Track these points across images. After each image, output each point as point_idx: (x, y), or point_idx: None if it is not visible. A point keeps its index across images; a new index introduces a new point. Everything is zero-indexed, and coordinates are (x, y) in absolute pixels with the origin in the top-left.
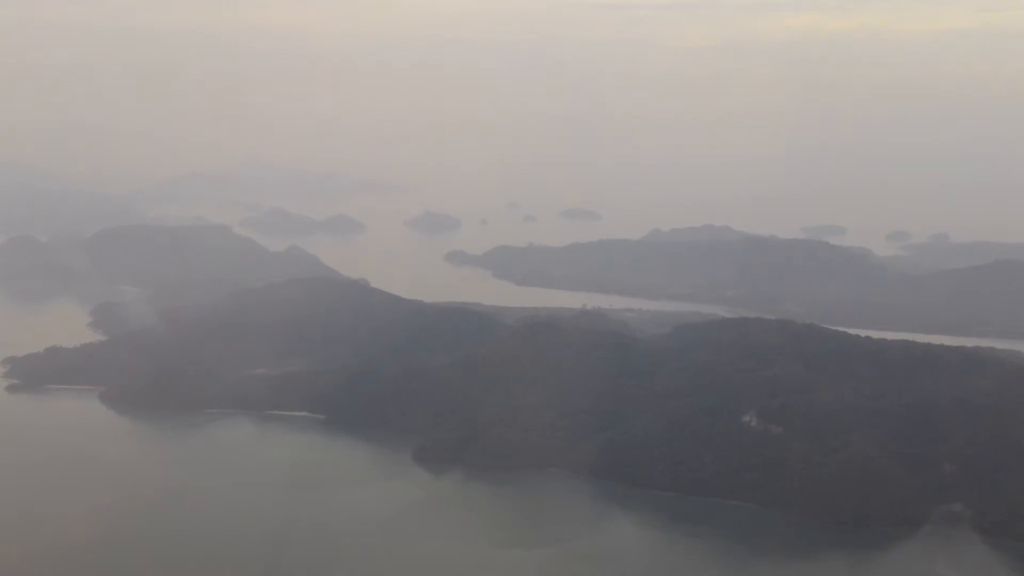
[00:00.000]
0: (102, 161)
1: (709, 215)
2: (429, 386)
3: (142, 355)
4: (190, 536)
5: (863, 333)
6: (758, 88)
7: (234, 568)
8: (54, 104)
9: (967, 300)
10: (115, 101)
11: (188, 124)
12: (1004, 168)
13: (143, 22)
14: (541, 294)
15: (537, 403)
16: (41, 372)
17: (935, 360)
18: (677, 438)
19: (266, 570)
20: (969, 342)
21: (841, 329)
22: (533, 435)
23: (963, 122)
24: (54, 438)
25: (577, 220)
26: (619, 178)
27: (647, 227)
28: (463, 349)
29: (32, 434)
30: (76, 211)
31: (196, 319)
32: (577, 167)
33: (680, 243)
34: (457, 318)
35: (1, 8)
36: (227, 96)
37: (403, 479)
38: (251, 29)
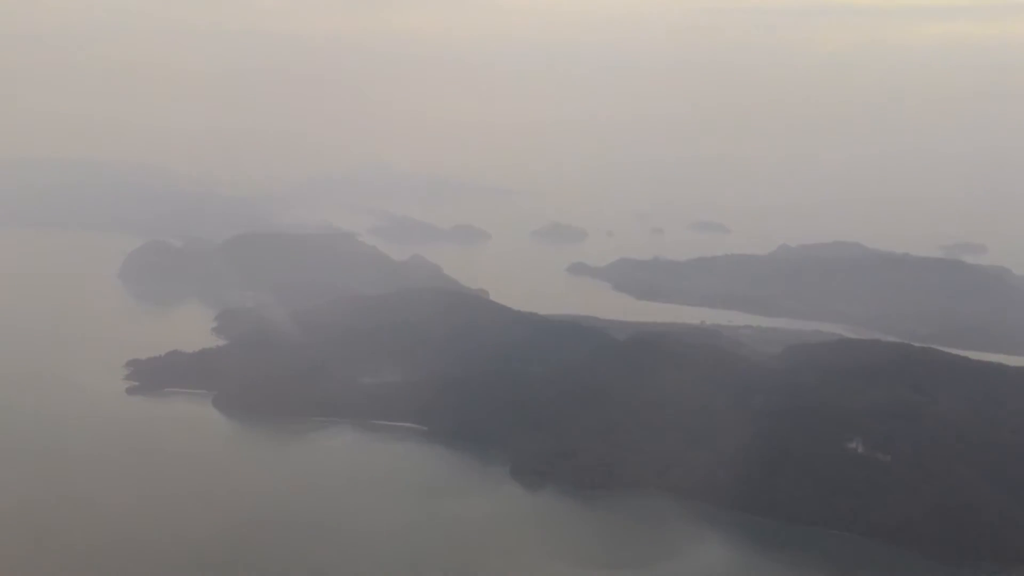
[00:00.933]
0: (240, 164)
1: (840, 229)
2: (530, 399)
3: (256, 361)
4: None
5: (991, 357)
6: (893, 93)
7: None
8: (195, 109)
9: None
10: (254, 105)
11: (320, 127)
12: None
13: (280, 27)
14: (659, 309)
15: (635, 421)
16: (160, 375)
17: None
18: (777, 462)
19: None
20: None
21: (968, 352)
22: (628, 454)
23: None
24: (161, 438)
25: (706, 232)
26: (751, 185)
27: (776, 241)
28: (569, 363)
29: (141, 434)
30: (212, 215)
31: (311, 326)
32: (709, 173)
33: (807, 259)
34: (566, 332)
35: (146, 15)
36: (360, 99)
37: (496, 493)
38: (387, 32)
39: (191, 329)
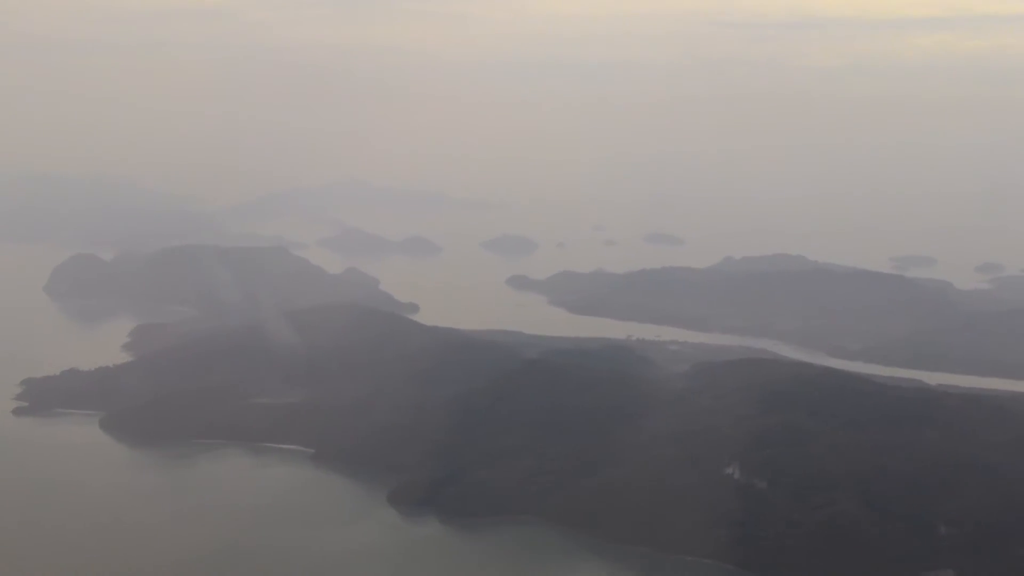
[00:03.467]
0: (207, 176)
1: (790, 243)
2: (420, 422)
3: (150, 380)
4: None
5: (915, 374)
6: (879, 105)
7: None
8: (165, 118)
9: None
10: (225, 116)
11: (292, 141)
12: None
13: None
14: (591, 323)
15: (520, 446)
16: (52, 395)
17: (954, 411)
18: (657, 489)
19: None
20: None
21: (894, 369)
22: (511, 481)
23: None
24: (37, 463)
25: (659, 244)
26: (713, 202)
27: (725, 254)
28: (470, 385)
29: (15, 459)
30: (160, 227)
31: (214, 343)
32: (672, 190)
33: (748, 273)
34: (477, 351)
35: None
36: (339, 111)
37: (371, 520)
38: (369, 46)
39: (104, 345)
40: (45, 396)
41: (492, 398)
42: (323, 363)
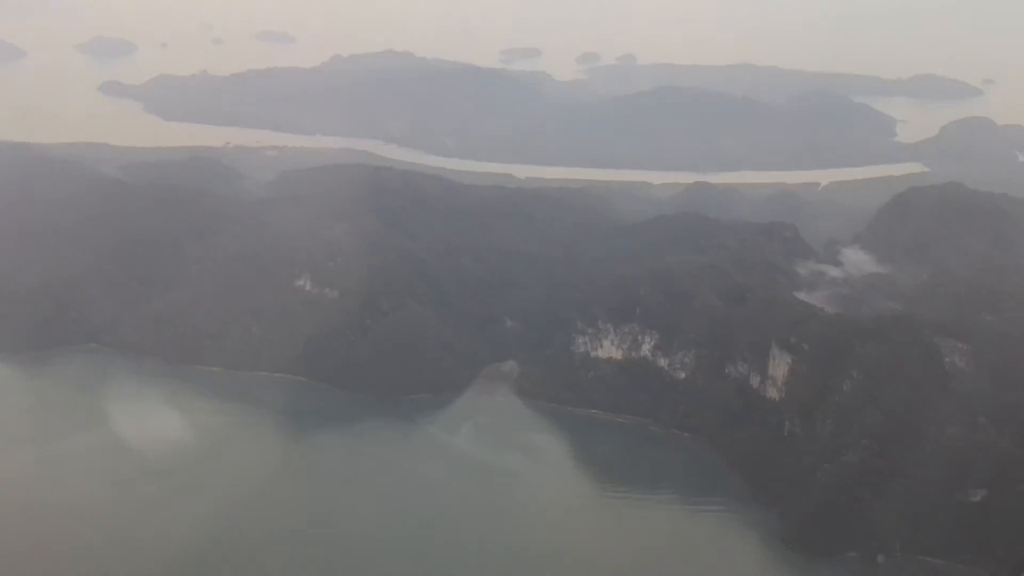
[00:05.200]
0: None
1: (399, 39)
2: None
3: None
4: None
5: (514, 168)
6: None
7: None
8: None
9: (623, 130)
10: None
11: None
12: None
13: None
14: (186, 131)
15: (82, 272)
16: None
17: (525, 206)
18: (226, 307)
19: None
20: (612, 175)
21: (487, 165)
22: (72, 311)
23: None
24: None
25: (269, 43)
26: None
27: (333, 52)
28: (35, 205)
29: None
30: None
31: None
32: None
33: (355, 72)
34: (46, 168)
35: None
36: None
37: None
38: None
39: None
40: None
41: (53, 221)
42: None
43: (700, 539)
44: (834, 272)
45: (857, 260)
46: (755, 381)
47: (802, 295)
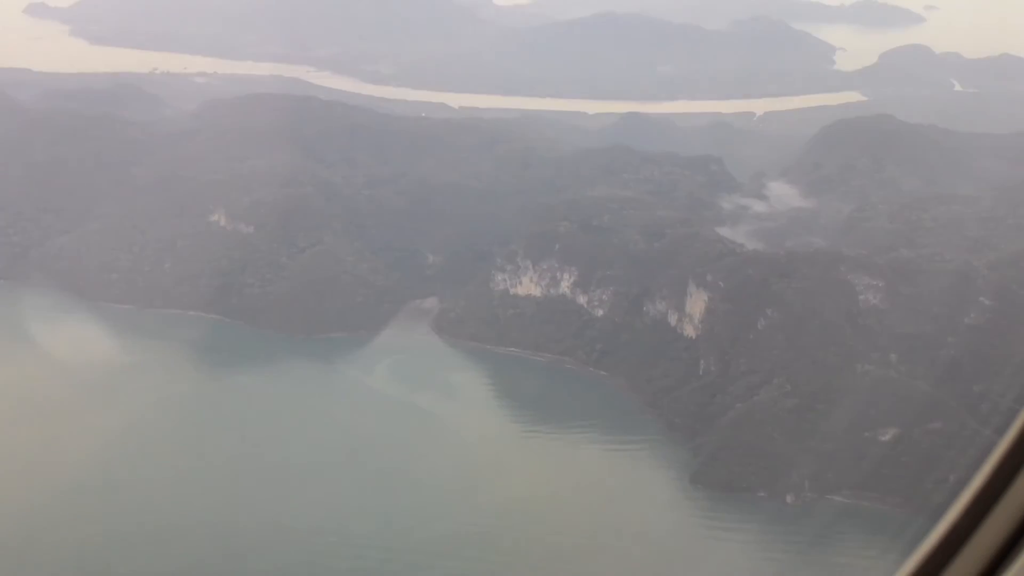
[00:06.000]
0: None
1: None
2: None
3: None
4: None
5: (449, 96)
6: None
7: None
8: None
9: (562, 58)
10: None
11: None
12: None
13: None
14: (113, 56)
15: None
16: None
17: (448, 138)
18: (138, 242)
19: None
20: (549, 104)
21: (430, 93)
22: None
23: None
24: None
25: None
26: None
27: None
28: None
29: None
30: None
31: None
32: None
33: None
34: None
35: None
36: None
37: None
38: None
39: None
40: None
41: None
42: None
43: (609, 476)
44: (759, 206)
45: (782, 194)
46: (673, 319)
47: (725, 230)
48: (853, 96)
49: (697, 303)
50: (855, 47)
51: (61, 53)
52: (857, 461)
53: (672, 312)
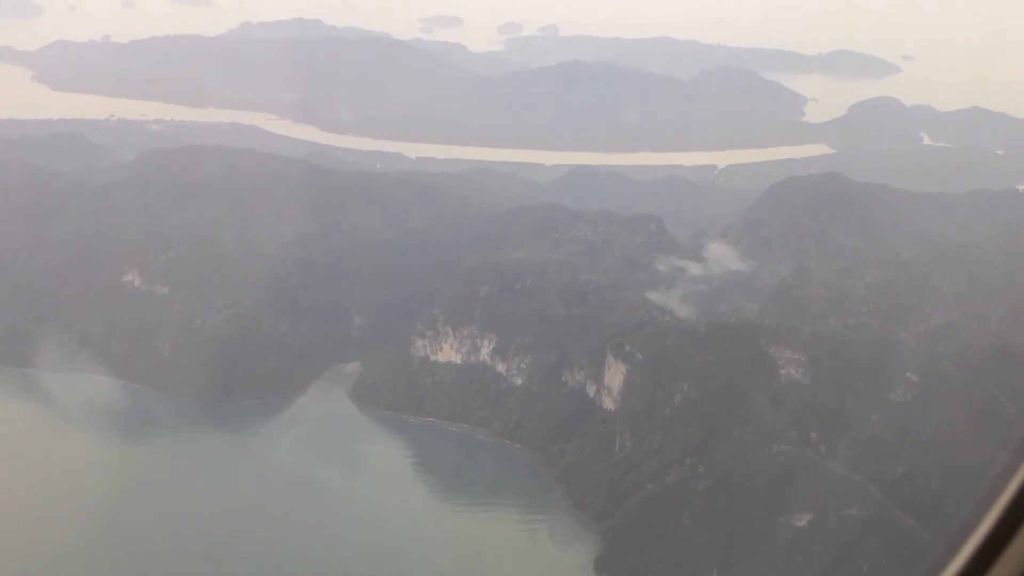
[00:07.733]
0: None
1: (309, 7)
2: None
3: None
4: None
5: (405, 146)
6: None
7: None
8: None
9: (527, 106)
10: None
11: None
12: None
13: None
14: (72, 102)
15: None
16: None
17: (388, 192)
18: (45, 302)
19: None
20: (506, 155)
21: (387, 142)
22: None
23: None
24: None
25: (184, 4)
26: None
27: (244, 18)
28: None
29: None
30: None
31: None
32: None
33: (258, 40)
34: None
35: None
36: None
37: None
38: None
39: None
40: None
41: None
42: None
43: (512, 557)
44: (695, 269)
45: (721, 255)
46: (591, 390)
47: (657, 294)
48: (820, 148)
49: (615, 374)
50: (827, 98)
51: (19, 98)
52: (769, 548)
53: (591, 383)
